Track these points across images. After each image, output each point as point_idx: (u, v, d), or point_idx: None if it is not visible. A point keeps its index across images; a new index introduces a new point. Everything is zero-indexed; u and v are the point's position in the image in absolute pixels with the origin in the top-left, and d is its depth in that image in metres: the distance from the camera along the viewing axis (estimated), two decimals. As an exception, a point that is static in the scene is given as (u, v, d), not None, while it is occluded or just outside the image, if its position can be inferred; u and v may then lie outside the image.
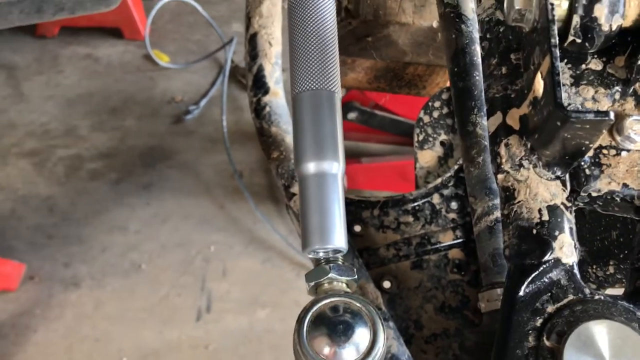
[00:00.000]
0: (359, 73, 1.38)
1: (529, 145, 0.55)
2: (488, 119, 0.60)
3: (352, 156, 2.08)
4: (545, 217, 0.54)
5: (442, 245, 0.95)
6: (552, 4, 0.49)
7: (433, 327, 0.89)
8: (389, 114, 1.93)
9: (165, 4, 2.88)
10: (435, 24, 1.27)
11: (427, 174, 1.12)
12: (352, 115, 1.91)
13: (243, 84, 2.73)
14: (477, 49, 0.88)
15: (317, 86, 0.62)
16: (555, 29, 0.48)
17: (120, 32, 2.88)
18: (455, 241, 0.95)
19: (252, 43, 1.12)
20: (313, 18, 0.65)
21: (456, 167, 0.98)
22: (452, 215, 0.96)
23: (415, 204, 0.97)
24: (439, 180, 0.99)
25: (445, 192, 0.98)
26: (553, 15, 0.49)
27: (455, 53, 0.88)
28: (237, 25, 3.11)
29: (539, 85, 0.51)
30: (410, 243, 0.95)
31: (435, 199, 0.97)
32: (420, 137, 1.09)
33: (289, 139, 1.02)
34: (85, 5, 1.12)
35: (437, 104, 1.10)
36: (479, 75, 0.86)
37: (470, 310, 0.90)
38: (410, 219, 0.96)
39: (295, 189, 0.95)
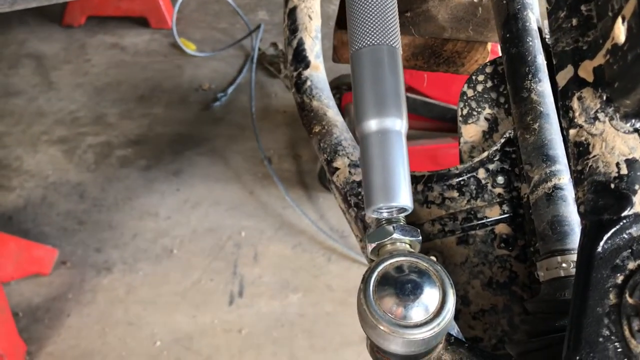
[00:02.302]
0: (396, 50, 1.35)
1: (604, 97, 0.52)
2: (557, 73, 0.57)
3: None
4: (624, 171, 0.51)
5: (489, 220, 0.92)
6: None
7: (481, 303, 0.87)
8: (422, 97, 1.90)
9: (191, -8, 2.88)
10: (475, -2, 1.24)
11: (472, 149, 1.09)
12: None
13: (270, 71, 2.72)
14: (530, 15, 0.85)
15: (377, 41, 0.60)
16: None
17: (146, 22, 2.88)
18: (502, 216, 0.92)
19: (292, 17, 1.10)
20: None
21: (502, 140, 0.95)
22: (498, 190, 0.94)
23: (460, 178, 0.94)
24: (485, 154, 0.96)
25: (491, 166, 0.95)
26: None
27: (507, 19, 0.85)
28: (262, 12, 3.10)
29: (620, 31, 0.48)
30: (456, 218, 0.92)
31: (481, 173, 0.94)
32: (464, 112, 1.06)
33: (330, 113, 1.00)
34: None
35: (480, 77, 1.06)
36: (532, 41, 0.84)
37: (518, 285, 0.88)
38: (455, 194, 0.94)
39: (338, 162, 0.94)
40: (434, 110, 1.92)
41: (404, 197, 0.55)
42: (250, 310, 1.75)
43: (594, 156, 0.52)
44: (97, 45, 2.77)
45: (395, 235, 0.56)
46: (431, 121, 1.99)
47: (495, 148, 0.96)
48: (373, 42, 0.59)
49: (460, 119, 1.10)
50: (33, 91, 2.52)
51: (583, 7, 0.56)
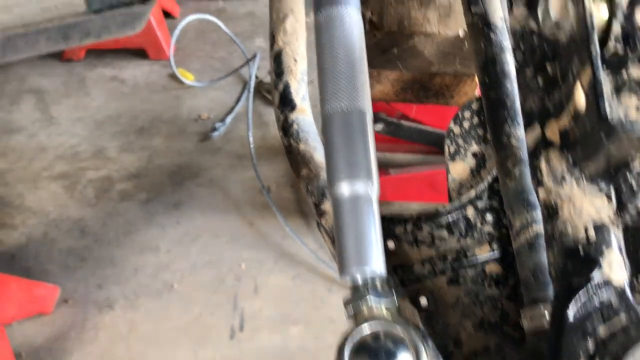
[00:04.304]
0: (385, 85, 1.36)
1: (570, 159, 0.53)
2: (526, 131, 0.58)
3: (379, 168, 2.05)
4: (592, 234, 0.51)
5: (479, 259, 0.92)
6: (591, 14, 0.47)
7: (473, 344, 0.87)
8: (416, 124, 1.91)
9: (188, 22, 2.91)
10: (461, 33, 1.25)
11: (460, 186, 1.09)
12: (378, 127, 1.89)
13: (267, 99, 2.74)
14: (508, 58, 0.86)
15: (347, 106, 0.60)
16: (596, 38, 0.46)
17: (145, 53, 2.91)
18: (492, 255, 0.92)
19: (277, 61, 1.11)
20: (340, 36, 0.63)
21: (489, 178, 0.95)
22: (487, 228, 0.94)
23: (449, 217, 0.95)
24: (473, 192, 0.96)
25: (480, 204, 0.95)
26: (593, 25, 0.47)
27: (485, 63, 0.86)
28: (259, 40, 3.12)
29: (580, 96, 0.49)
30: (446, 258, 0.92)
31: (470, 211, 0.95)
32: (452, 149, 1.07)
33: (317, 156, 1.01)
34: (111, 30, 1.12)
35: (467, 114, 1.07)
36: (510, 85, 0.84)
37: (510, 325, 0.88)
38: (445, 233, 0.94)
39: (325, 206, 0.94)
40: (430, 137, 1.93)
41: (375, 264, 0.55)
42: (251, 345, 1.74)
43: (563, 220, 0.53)
44: (96, 78, 2.80)
45: (369, 300, 0.57)
46: (427, 148, 2.00)
47: (483, 186, 0.97)
48: (343, 106, 0.60)
49: (447, 156, 1.10)
50: (34, 127, 2.55)
51: (549, 67, 0.57)
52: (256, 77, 2.80)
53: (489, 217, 0.95)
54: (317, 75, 0.65)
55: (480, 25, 0.87)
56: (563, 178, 0.53)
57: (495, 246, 0.92)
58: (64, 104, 2.66)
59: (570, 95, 0.51)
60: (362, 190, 0.57)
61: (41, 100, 2.69)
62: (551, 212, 0.54)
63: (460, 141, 1.08)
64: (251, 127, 2.47)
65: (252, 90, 2.68)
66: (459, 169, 1.09)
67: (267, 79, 2.84)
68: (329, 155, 0.59)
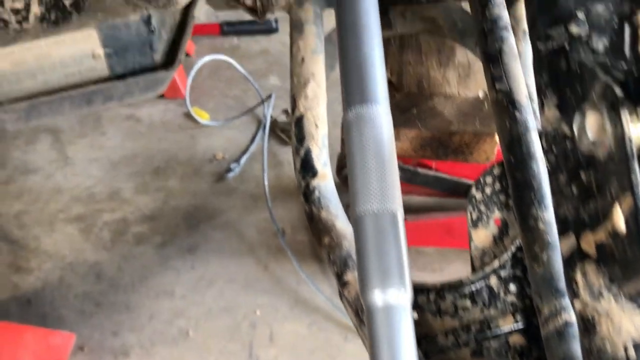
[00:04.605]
0: (403, 142, 1.37)
1: (608, 275, 0.52)
2: (560, 237, 0.57)
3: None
4: (632, 354, 0.51)
5: (502, 330, 0.91)
6: (630, 138, 0.47)
7: (497, 417, 0.86)
8: (433, 171, 1.91)
9: (204, 62, 2.94)
10: (481, 95, 1.25)
11: (483, 254, 1.08)
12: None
13: (282, 138, 2.75)
14: (534, 138, 0.86)
15: (378, 208, 0.60)
16: (637, 165, 0.46)
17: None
18: (516, 326, 0.91)
19: (299, 126, 1.12)
20: (370, 135, 0.64)
21: (513, 248, 0.95)
22: (511, 299, 0.93)
23: (473, 287, 0.94)
24: (496, 262, 0.96)
25: (503, 273, 0.95)
26: (633, 151, 0.46)
27: (510, 142, 0.85)
28: (274, 78, 3.15)
29: (619, 219, 0.49)
30: (469, 329, 0.92)
31: (493, 281, 0.94)
32: (474, 216, 1.07)
33: (339, 224, 1.00)
34: (134, 94, 1.14)
35: (488, 179, 1.07)
36: (537, 167, 0.84)
37: (534, 398, 0.87)
38: (468, 303, 0.93)
39: (348, 276, 0.94)
40: (447, 184, 1.92)
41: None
42: (267, 395, 1.73)
43: (601, 336, 0.52)
44: (112, 117, 2.83)
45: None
46: (445, 195, 1.99)
47: (506, 255, 0.96)
48: (374, 208, 0.60)
49: (470, 223, 1.09)
50: (50, 167, 2.57)
51: (583, 175, 0.56)
52: (271, 116, 2.82)
53: (512, 287, 0.94)
54: (347, 173, 0.65)
55: (505, 103, 0.87)
56: (600, 293, 0.52)
57: (519, 317, 0.91)
58: (80, 143, 2.68)
59: (607, 212, 0.51)
60: (395, 299, 0.57)
61: (57, 140, 2.71)
62: (588, 326, 0.54)
63: (483, 208, 1.07)
64: (266, 168, 2.48)
65: (267, 131, 2.69)
66: (482, 236, 1.08)
67: (282, 117, 2.86)
68: (361, 261, 0.59)
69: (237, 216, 2.33)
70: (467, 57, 1.33)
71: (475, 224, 1.10)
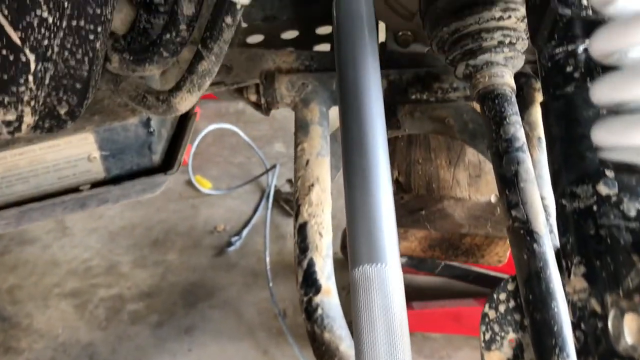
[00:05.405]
0: (412, 242, 1.30)
1: None
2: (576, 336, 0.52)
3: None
4: None
5: None
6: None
7: None
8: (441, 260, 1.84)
9: (208, 130, 2.92)
10: (493, 199, 1.20)
11: (497, 381, 1.01)
12: (401, 260, 1.82)
13: (285, 209, 2.69)
14: (554, 274, 0.80)
15: None
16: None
17: (163, 159, 2.90)
18: None
19: (302, 233, 1.06)
20: (378, 299, 0.58)
21: (529, 381, 0.87)
22: None
23: None
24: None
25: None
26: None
27: (528, 277, 0.79)
28: (279, 144, 3.12)
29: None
30: None
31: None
32: (487, 336, 0.99)
33: (343, 347, 0.93)
34: (130, 196, 1.09)
35: (502, 296, 1.00)
36: (557, 307, 0.78)
37: None
38: None
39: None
40: (455, 271, 1.86)
41: None
42: None
43: None
44: (113, 185, 2.78)
45: None
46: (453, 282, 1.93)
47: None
48: None
49: (482, 344, 1.02)
50: (48, 237, 2.51)
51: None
52: (275, 186, 2.77)
53: None
54: (354, 338, 0.59)
55: (522, 233, 0.81)
56: None
57: None
58: (79, 212, 2.63)
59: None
60: None
61: (57, 208, 2.66)
62: None
63: (496, 327, 1.00)
64: (268, 243, 2.41)
65: (270, 203, 2.64)
66: (495, 359, 1.01)
67: (285, 187, 2.81)
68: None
69: (237, 294, 2.25)
70: (477, 156, 1.28)
71: (488, 345, 1.02)
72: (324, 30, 1.59)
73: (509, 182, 0.85)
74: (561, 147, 0.60)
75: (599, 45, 0.46)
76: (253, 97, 1.29)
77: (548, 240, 0.82)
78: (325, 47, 1.59)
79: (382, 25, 1.24)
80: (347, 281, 0.95)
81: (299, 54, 1.27)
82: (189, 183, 2.80)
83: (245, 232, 2.52)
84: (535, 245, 0.81)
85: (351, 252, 0.63)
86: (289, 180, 2.81)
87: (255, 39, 1.60)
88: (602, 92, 0.48)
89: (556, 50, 0.64)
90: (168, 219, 2.61)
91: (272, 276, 2.26)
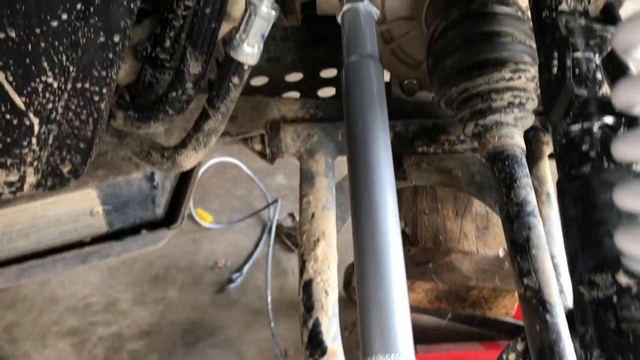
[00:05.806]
0: (418, 294, 1.28)
1: None
2: None
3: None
4: None
5: None
6: None
7: None
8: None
9: (210, 164, 2.90)
10: (501, 253, 1.18)
11: None
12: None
13: (286, 244, 2.67)
14: (567, 348, 0.78)
15: None
16: None
17: (164, 192, 2.88)
18: None
19: (307, 291, 1.04)
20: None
21: None
22: None
23: None
24: None
25: None
26: None
27: (541, 349, 0.77)
28: (280, 176, 3.10)
29: None
30: None
31: None
32: (497, 397, 0.97)
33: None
34: (132, 249, 1.07)
35: (512, 356, 0.98)
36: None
37: None
38: None
39: None
40: (461, 315, 1.83)
41: None
42: None
43: None
44: (114, 218, 2.76)
45: None
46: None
47: None
48: None
49: (492, 406, 1.00)
50: (47, 272, 2.48)
51: None
52: (277, 220, 2.75)
53: None
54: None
55: (534, 302, 0.79)
56: None
57: None
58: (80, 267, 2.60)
59: None
60: None
61: (56, 241, 2.64)
62: None
63: (506, 389, 0.98)
64: (269, 280, 2.39)
65: (272, 238, 2.62)
66: (507, 418, 0.98)
67: (287, 221, 2.79)
68: None
69: (237, 333, 2.22)
70: (484, 207, 1.27)
71: (500, 404, 1.00)
72: (328, 73, 1.58)
73: (521, 248, 0.83)
74: (578, 231, 0.59)
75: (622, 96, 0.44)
76: (258, 147, 1.28)
77: (561, 310, 0.80)
78: (330, 91, 1.58)
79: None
80: (349, 320, 0.93)
81: (304, 102, 1.26)
82: (190, 217, 2.78)
83: (246, 268, 2.50)
84: (547, 316, 0.79)
85: (363, 340, 0.61)
86: (291, 215, 2.80)
87: (260, 81, 1.58)
88: (625, 149, 0.45)
89: (571, 128, 0.63)
90: (169, 254, 2.58)
91: (274, 315, 2.23)
